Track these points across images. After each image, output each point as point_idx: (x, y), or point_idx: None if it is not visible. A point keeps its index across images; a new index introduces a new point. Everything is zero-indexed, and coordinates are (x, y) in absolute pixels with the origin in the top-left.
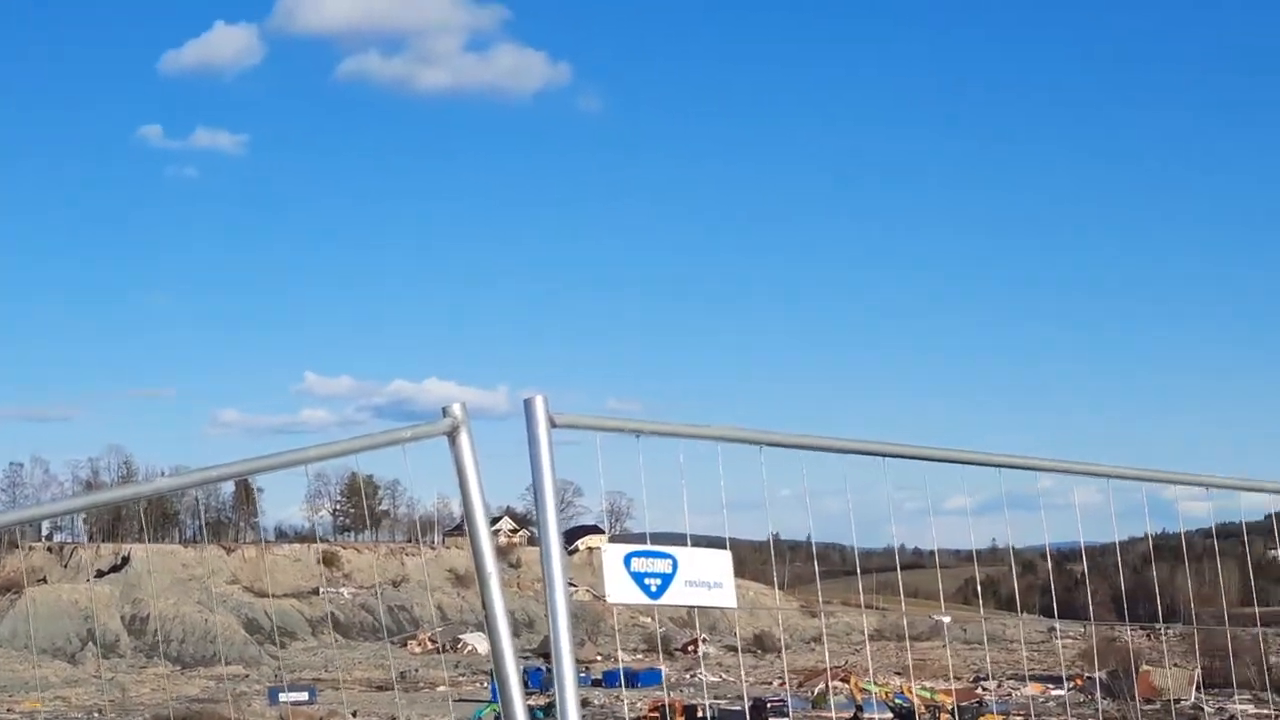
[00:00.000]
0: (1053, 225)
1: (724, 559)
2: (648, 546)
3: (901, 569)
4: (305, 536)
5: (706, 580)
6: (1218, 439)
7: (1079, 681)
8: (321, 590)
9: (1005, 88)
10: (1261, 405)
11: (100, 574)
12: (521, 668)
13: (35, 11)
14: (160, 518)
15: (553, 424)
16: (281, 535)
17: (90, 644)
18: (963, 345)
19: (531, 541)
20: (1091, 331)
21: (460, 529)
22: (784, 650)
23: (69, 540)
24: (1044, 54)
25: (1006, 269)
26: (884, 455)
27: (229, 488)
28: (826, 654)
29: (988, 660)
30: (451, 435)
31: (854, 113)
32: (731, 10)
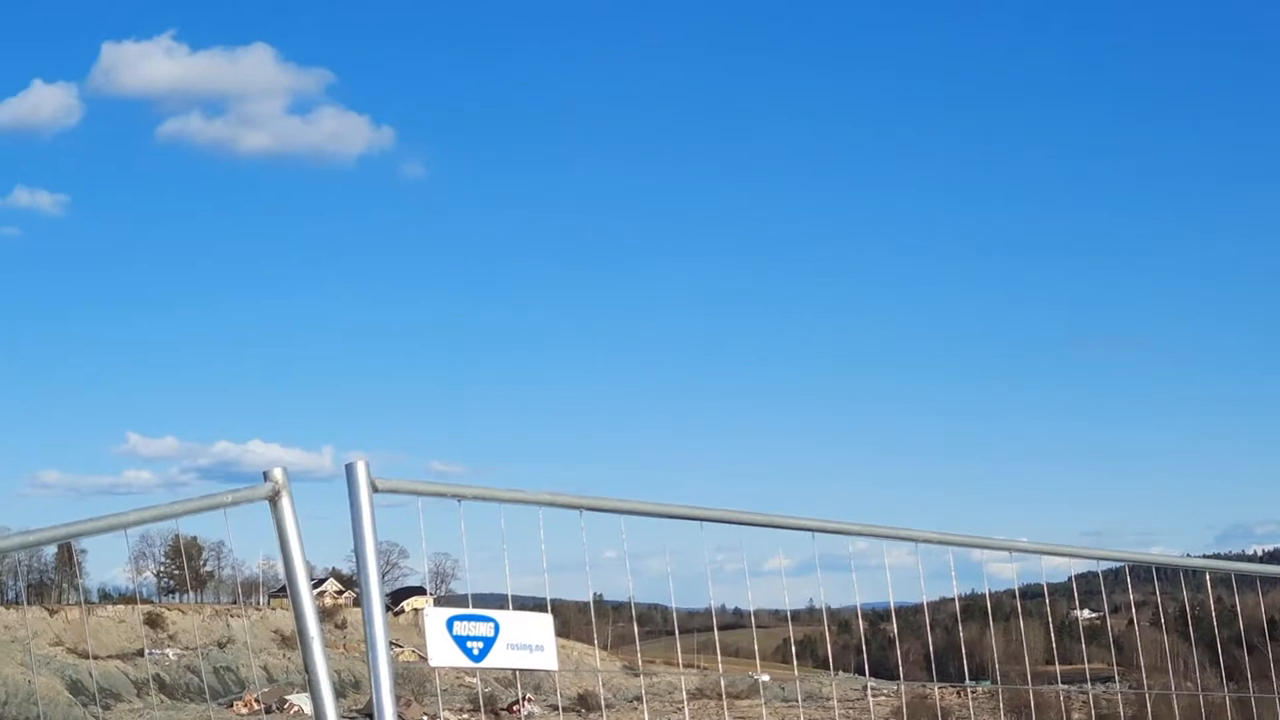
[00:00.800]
0: (872, 288)
1: (545, 622)
2: (470, 610)
3: (721, 629)
4: (129, 598)
5: (529, 643)
6: (1023, 502)
7: None
8: (146, 652)
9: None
10: (1068, 471)
11: None
12: None
13: None
14: None
15: (375, 489)
16: (105, 596)
17: None
18: (779, 413)
19: (357, 603)
20: (901, 402)
21: (285, 590)
22: (605, 710)
23: None
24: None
25: (819, 340)
26: (704, 520)
27: (51, 549)
28: (647, 712)
29: (802, 718)
30: (273, 499)
31: (679, 156)
32: (553, 76)
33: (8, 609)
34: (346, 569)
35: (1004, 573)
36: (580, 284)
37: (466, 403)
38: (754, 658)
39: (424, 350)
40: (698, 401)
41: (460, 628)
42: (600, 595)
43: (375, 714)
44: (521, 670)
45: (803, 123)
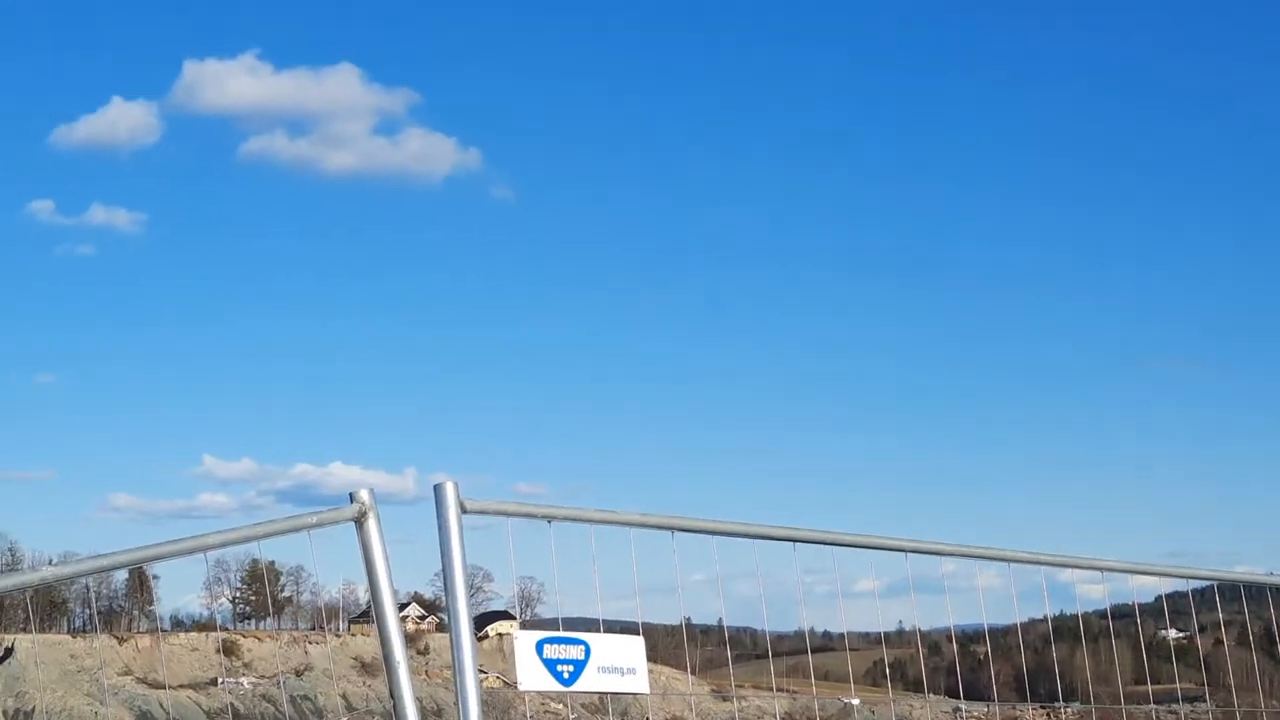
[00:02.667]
0: (957, 315)
1: (637, 644)
2: (560, 633)
3: (812, 651)
4: (203, 625)
5: (620, 666)
6: (1111, 523)
7: None
8: (220, 680)
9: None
10: (1147, 490)
11: None
12: None
13: None
14: (48, 606)
15: (463, 510)
16: (178, 624)
17: None
18: (872, 433)
19: (440, 628)
20: (994, 422)
21: (366, 615)
22: None
23: None
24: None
25: (912, 359)
26: (794, 540)
27: (121, 575)
28: None
29: None
30: (359, 521)
31: (764, 187)
32: (644, 99)
33: (75, 637)
34: (429, 593)
35: (1091, 593)
36: (664, 306)
37: (550, 424)
38: (843, 681)
39: (508, 372)
40: (783, 420)
41: (551, 651)
42: (689, 618)
43: None
44: (611, 694)
45: (920, 138)
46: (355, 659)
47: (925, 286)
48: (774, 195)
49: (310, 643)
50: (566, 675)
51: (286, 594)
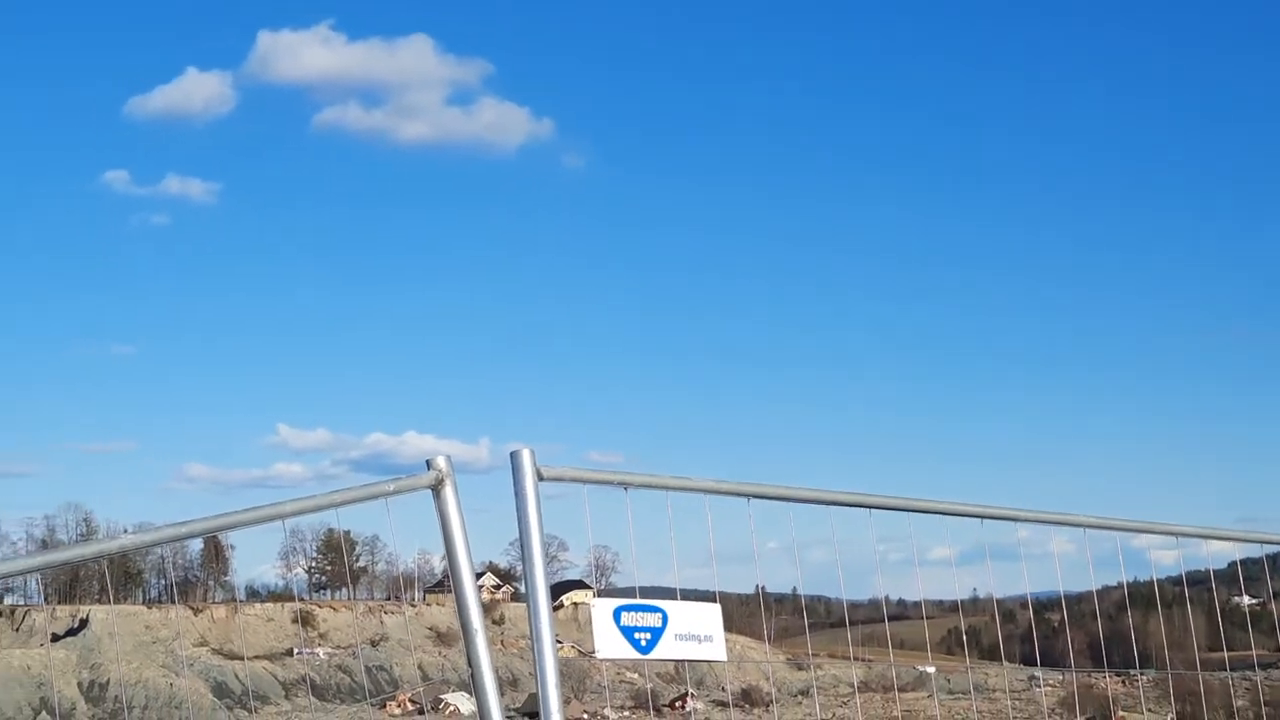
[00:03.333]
0: (1029, 286)
1: (714, 612)
2: (637, 600)
3: (888, 620)
4: (279, 595)
5: (697, 634)
6: (1184, 488)
7: None
8: (296, 651)
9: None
10: (1226, 455)
11: (56, 638)
12: None
13: None
14: (122, 577)
15: (540, 477)
16: (253, 594)
17: (44, 713)
18: (942, 399)
19: (515, 597)
20: (1066, 387)
21: (441, 585)
22: (773, 704)
23: (21, 603)
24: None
25: (981, 328)
26: (869, 507)
27: (196, 545)
28: (817, 706)
29: (974, 710)
30: (436, 489)
31: (838, 166)
32: (718, 70)
33: (150, 608)
34: (504, 563)
35: (1164, 560)
36: (734, 276)
37: (622, 393)
38: (918, 649)
39: (580, 340)
40: (854, 388)
41: (627, 618)
42: (763, 586)
43: (541, 711)
44: (688, 662)
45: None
46: (430, 629)
47: (1001, 260)
48: (848, 171)
49: (386, 613)
50: (644, 643)
51: (361, 564)
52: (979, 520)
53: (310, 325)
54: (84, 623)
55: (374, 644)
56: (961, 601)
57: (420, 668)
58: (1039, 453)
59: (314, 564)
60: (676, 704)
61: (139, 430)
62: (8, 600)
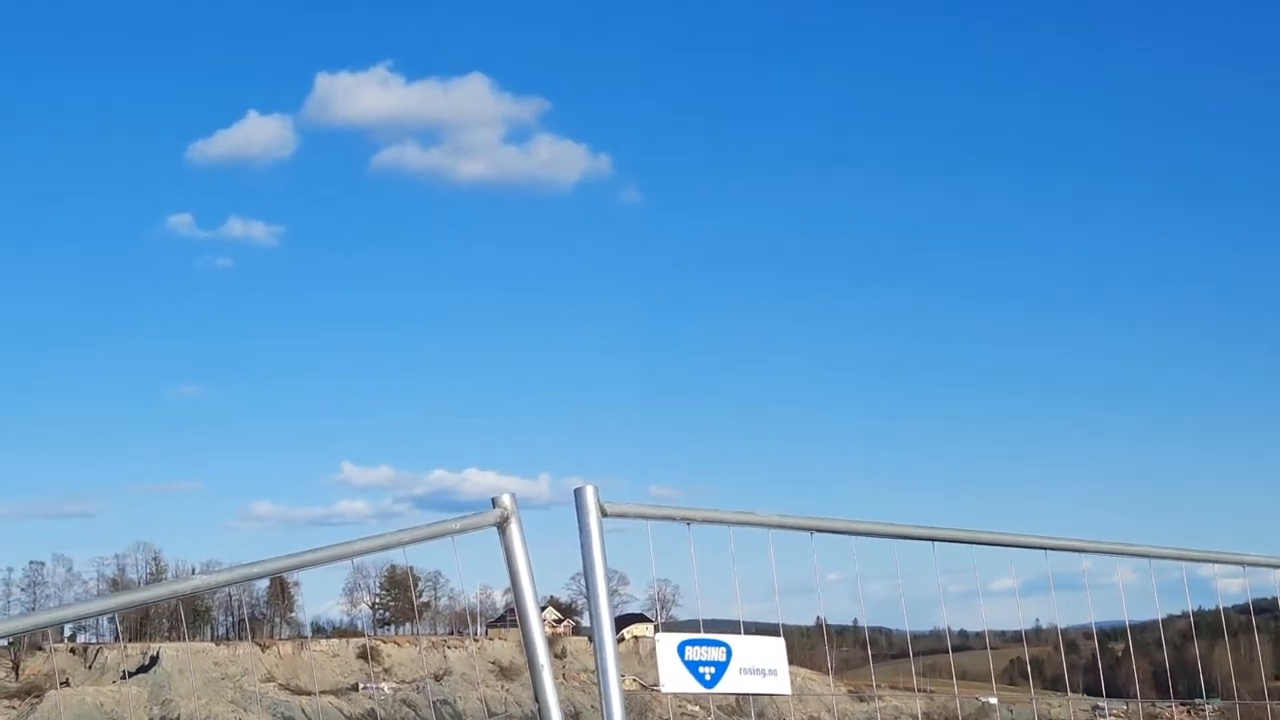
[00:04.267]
0: (1085, 306)
1: (778, 646)
2: (701, 635)
3: (951, 651)
4: (344, 631)
5: (761, 667)
6: (1251, 517)
7: None
8: (361, 686)
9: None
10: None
11: (127, 675)
12: None
13: (57, 97)
14: (191, 614)
15: (603, 513)
16: (319, 630)
17: None
18: (1005, 430)
19: (576, 631)
20: (1127, 414)
21: (503, 620)
22: None
23: (94, 640)
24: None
25: (1040, 353)
26: (932, 540)
27: (263, 582)
28: None
29: None
30: (501, 526)
31: (898, 204)
32: (776, 106)
33: (218, 645)
34: (565, 597)
35: (1230, 588)
36: (793, 305)
37: (681, 427)
38: (981, 680)
39: (639, 376)
40: (914, 419)
41: (692, 652)
42: (824, 618)
43: None
44: (751, 695)
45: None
46: (493, 663)
47: (1064, 294)
48: (907, 209)
49: (449, 647)
50: (708, 677)
51: (425, 599)
52: (1043, 551)
53: (373, 364)
54: (154, 660)
55: (438, 678)
56: (1025, 631)
57: (483, 701)
58: (1102, 482)
59: (378, 600)
60: None
61: (205, 470)
62: (80, 638)
